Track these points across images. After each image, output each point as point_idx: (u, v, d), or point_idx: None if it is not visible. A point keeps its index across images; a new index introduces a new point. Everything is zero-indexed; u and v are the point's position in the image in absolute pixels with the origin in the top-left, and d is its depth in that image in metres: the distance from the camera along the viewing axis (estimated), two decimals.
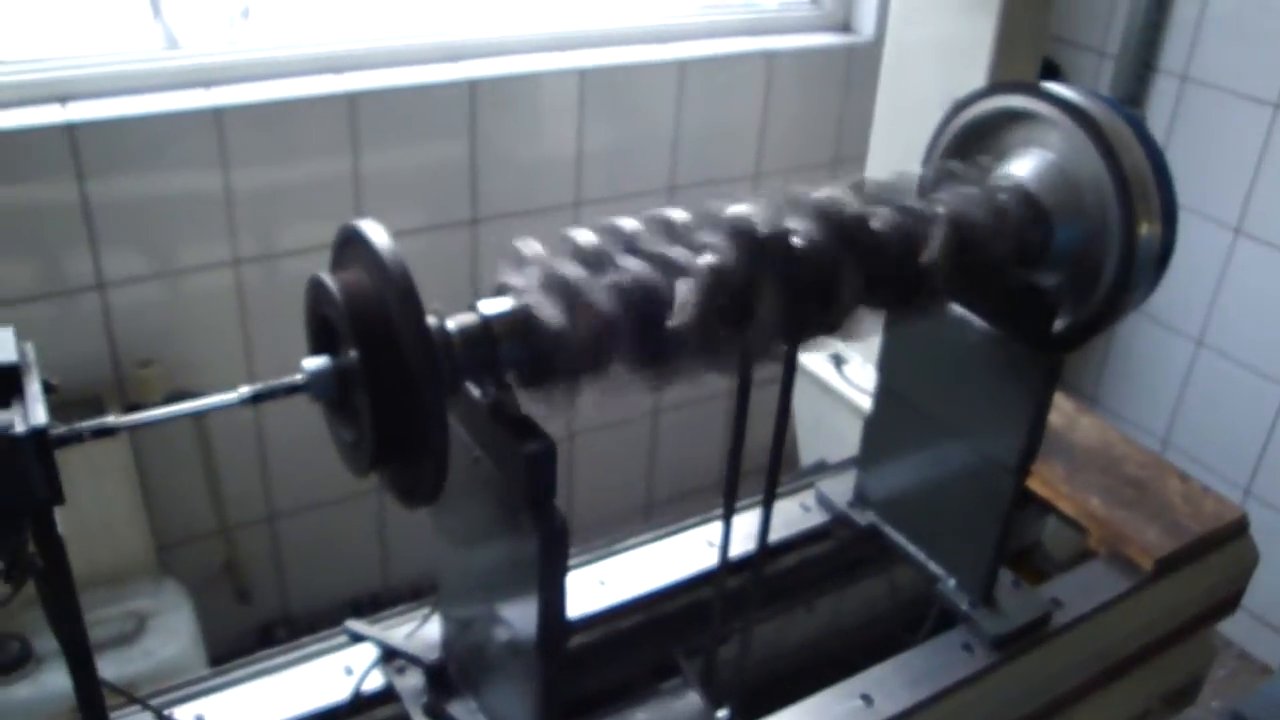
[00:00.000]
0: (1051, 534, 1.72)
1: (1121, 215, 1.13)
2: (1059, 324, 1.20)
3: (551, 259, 0.93)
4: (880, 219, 1.07)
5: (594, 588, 1.34)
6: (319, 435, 0.96)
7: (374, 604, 2.49)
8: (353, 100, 2.10)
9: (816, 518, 1.52)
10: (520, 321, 0.90)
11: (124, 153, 1.93)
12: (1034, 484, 1.55)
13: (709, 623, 1.27)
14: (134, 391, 2.05)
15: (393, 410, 0.84)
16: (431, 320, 0.86)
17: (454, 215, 2.31)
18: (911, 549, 1.44)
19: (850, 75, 2.67)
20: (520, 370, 0.92)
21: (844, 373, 2.26)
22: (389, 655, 1.23)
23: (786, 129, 2.66)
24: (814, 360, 2.29)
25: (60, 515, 0.83)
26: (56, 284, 1.95)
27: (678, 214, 1.01)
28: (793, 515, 1.51)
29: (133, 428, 0.86)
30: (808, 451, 2.38)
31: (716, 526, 1.29)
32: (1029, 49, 1.90)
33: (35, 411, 0.79)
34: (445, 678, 1.21)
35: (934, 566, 1.40)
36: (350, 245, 0.88)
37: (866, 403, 1.53)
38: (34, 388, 0.82)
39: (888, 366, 1.41)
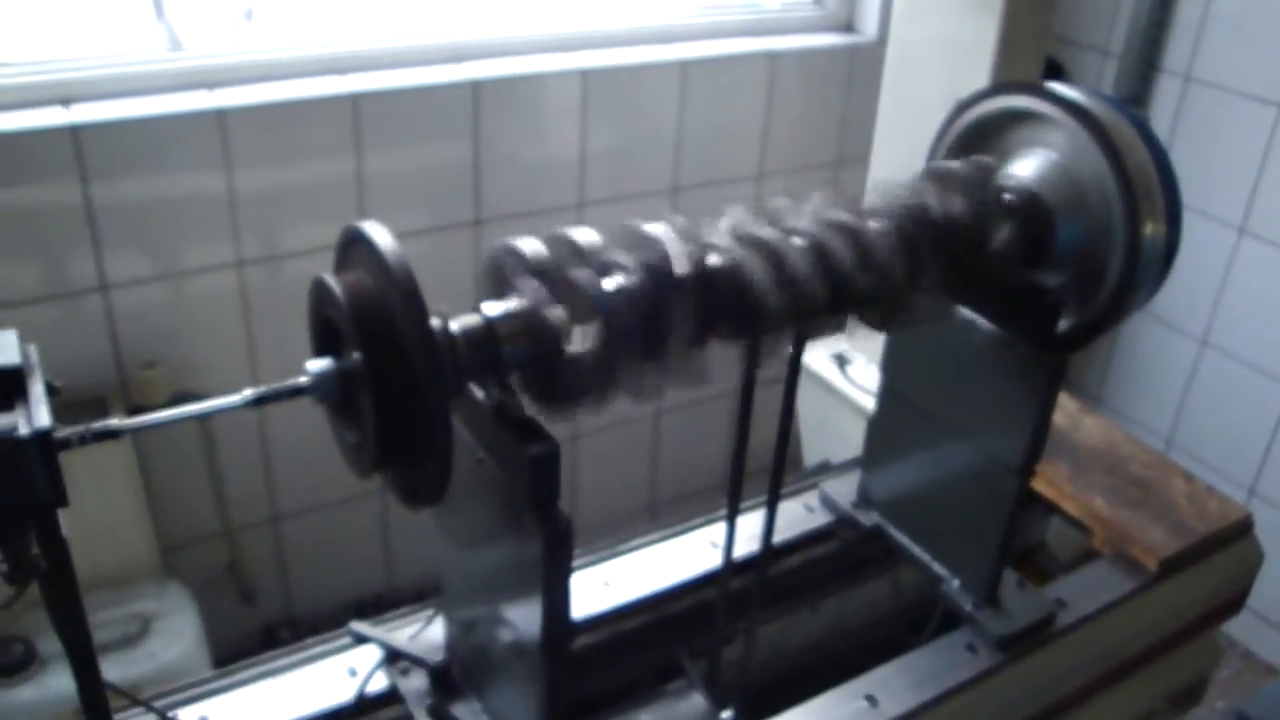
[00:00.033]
0: (1056, 534, 1.72)
1: (1126, 215, 1.13)
2: (1063, 324, 1.20)
3: (556, 260, 0.93)
4: (883, 220, 1.07)
5: (598, 589, 1.34)
6: (323, 436, 0.96)
7: (378, 605, 2.49)
8: (356, 101, 2.10)
9: (820, 518, 1.51)
10: (524, 323, 0.90)
11: (127, 154, 1.93)
12: (1038, 484, 1.55)
13: (713, 624, 1.27)
14: (137, 393, 2.05)
15: (396, 412, 0.84)
16: (435, 322, 0.86)
17: (457, 216, 2.31)
18: (915, 549, 1.43)
19: (853, 75, 2.67)
20: (524, 372, 0.92)
21: (848, 373, 2.26)
22: (393, 657, 1.23)
23: (789, 129, 2.66)
24: (818, 360, 2.29)
25: (64, 517, 0.83)
26: (60, 286, 1.96)
27: (678, 216, 1.00)
28: (797, 516, 1.51)
29: (136, 430, 0.86)
30: (811, 452, 2.38)
31: (720, 527, 1.29)
32: (1032, 49, 1.90)
33: (39, 414, 0.79)
34: (449, 679, 1.21)
35: (938, 567, 1.40)
36: (354, 247, 0.88)
37: (870, 403, 1.52)
38: (37, 390, 0.82)
39: (891, 367, 1.41)
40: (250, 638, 2.42)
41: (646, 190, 2.52)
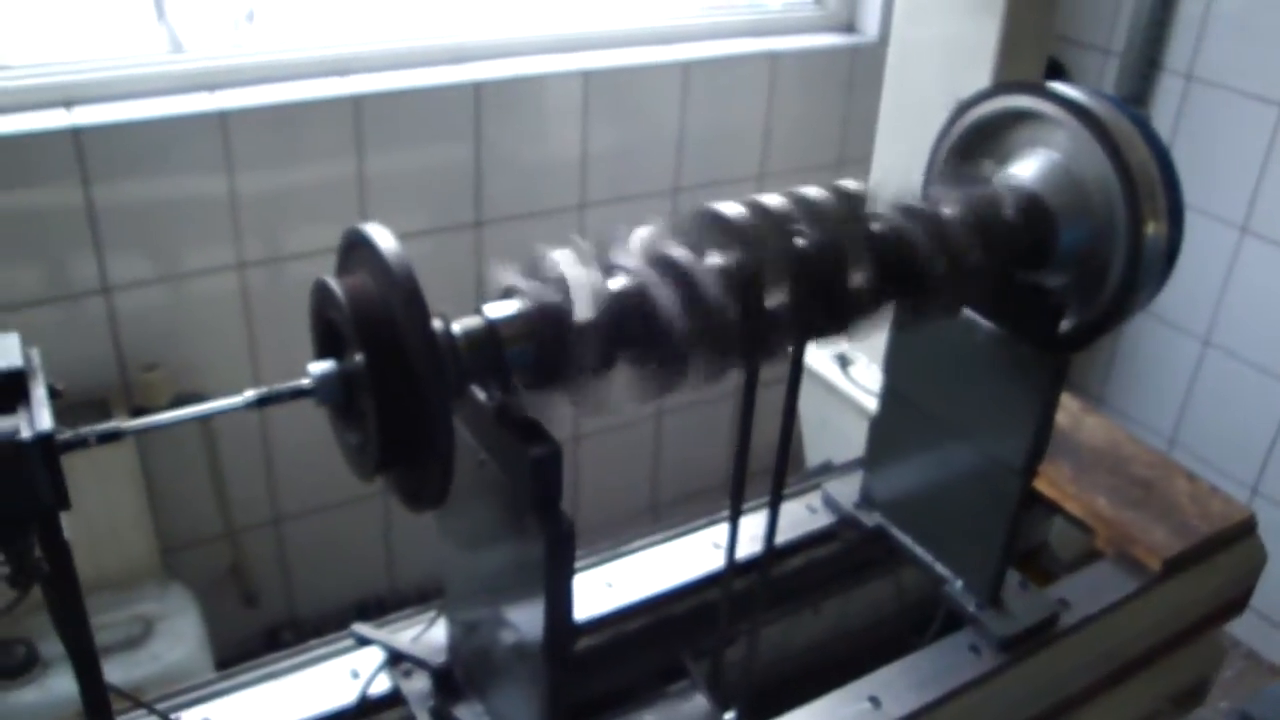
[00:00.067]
0: (1058, 534, 1.72)
1: (1128, 215, 1.12)
2: (1065, 324, 1.20)
3: (557, 261, 0.93)
4: (885, 221, 1.07)
5: (600, 590, 1.34)
6: (325, 438, 0.95)
7: (380, 607, 2.49)
8: (357, 103, 2.10)
9: (823, 519, 1.51)
10: (526, 324, 0.90)
11: (129, 156, 1.93)
12: (1040, 484, 1.55)
13: (716, 625, 1.26)
14: (139, 395, 2.05)
15: (398, 414, 0.84)
16: (437, 324, 0.86)
17: (459, 218, 2.31)
18: (918, 550, 1.43)
19: (854, 76, 2.67)
20: (526, 373, 0.92)
21: (849, 374, 2.26)
22: (395, 659, 1.23)
23: (791, 130, 2.66)
24: (820, 361, 2.29)
25: (66, 519, 0.83)
26: (62, 288, 1.96)
27: (684, 217, 1.00)
28: (799, 517, 1.51)
29: (139, 432, 0.86)
30: (814, 452, 2.38)
31: (723, 528, 1.29)
32: (1034, 49, 1.90)
33: (41, 417, 0.79)
34: (451, 681, 1.20)
35: (941, 568, 1.40)
36: (355, 249, 0.88)
37: (872, 404, 1.52)
38: (39, 393, 0.82)
39: (894, 367, 1.41)
40: (252, 639, 2.42)
41: (648, 191, 2.52)
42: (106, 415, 1.97)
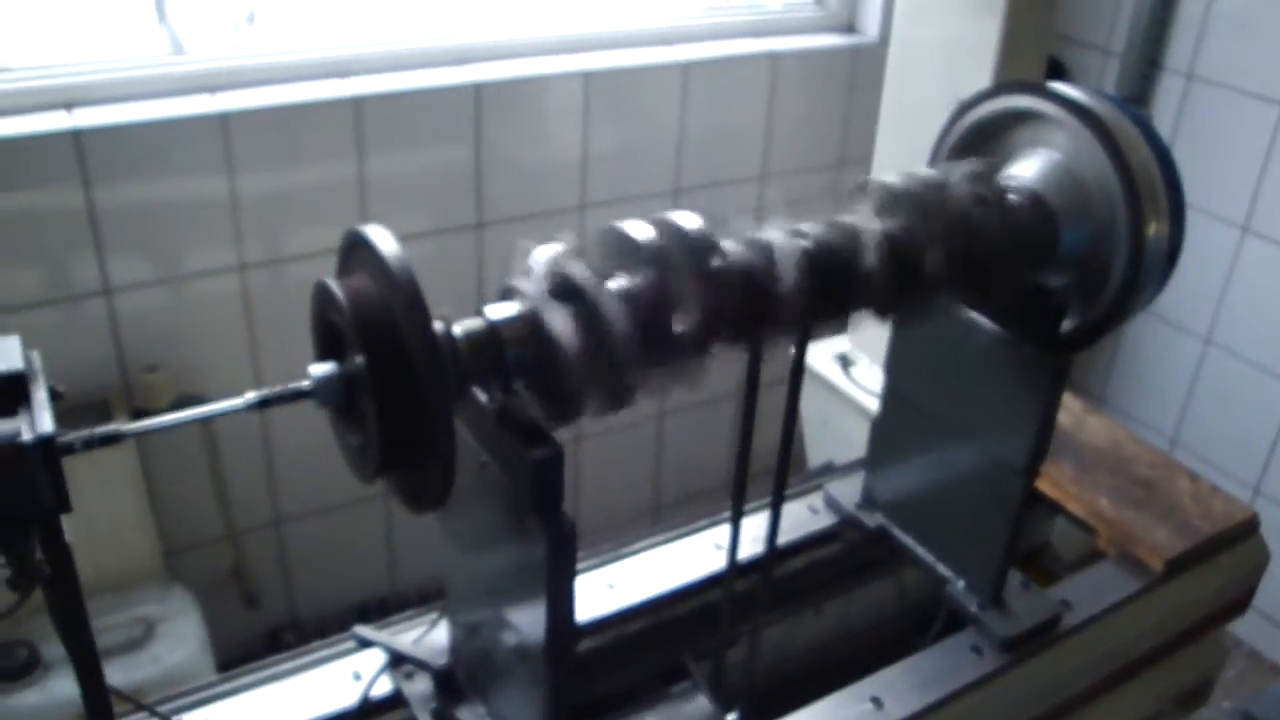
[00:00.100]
0: (1060, 535, 1.71)
1: (1129, 215, 1.12)
2: (1067, 324, 1.20)
3: (558, 263, 0.93)
4: (884, 221, 1.07)
5: (602, 591, 1.34)
6: (326, 439, 0.95)
7: (382, 609, 2.49)
8: (358, 104, 2.10)
9: (825, 520, 1.51)
10: (527, 326, 0.90)
11: (130, 158, 1.93)
12: (1042, 484, 1.54)
13: (717, 626, 1.26)
14: (140, 397, 2.05)
15: (399, 416, 0.84)
16: (438, 326, 0.86)
17: (459, 219, 2.31)
18: (920, 551, 1.43)
19: (855, 76, 2.66)
20: (527, 375, 0.92)
21: (851, 374, 2.26)
22: (397, 660, 1.23)
23: (791, 131, 2.65)
24: (821, 362, 2.29)
25: (67, 521, 0.83)
26: (63, 290, 1.96)
27: (684, 219, 1.00)
28: (801, 517, 1.51)
29: (139, 434, 0.86)
30: (815, 453, 2.38)
31: (724, 529, 1.29)
32: (1034, 49, 1.90)
33: (41, 419, 0.79)
34: (453, 683, 1.20)
35: (943, 568, 1.40)
36: (356, 251, 0.88)
37: (874, 404, 1.52)
38: (40, 395, 0.82)
39: (895, 368, 1.41)
40: (254, 641, 2.42)
41: (649, 192, 2.52)
42: (107, 417, 1.97)
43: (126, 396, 2.06)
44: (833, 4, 2.72)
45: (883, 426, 1.46)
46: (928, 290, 1.07)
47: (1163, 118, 2.72)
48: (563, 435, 0.91)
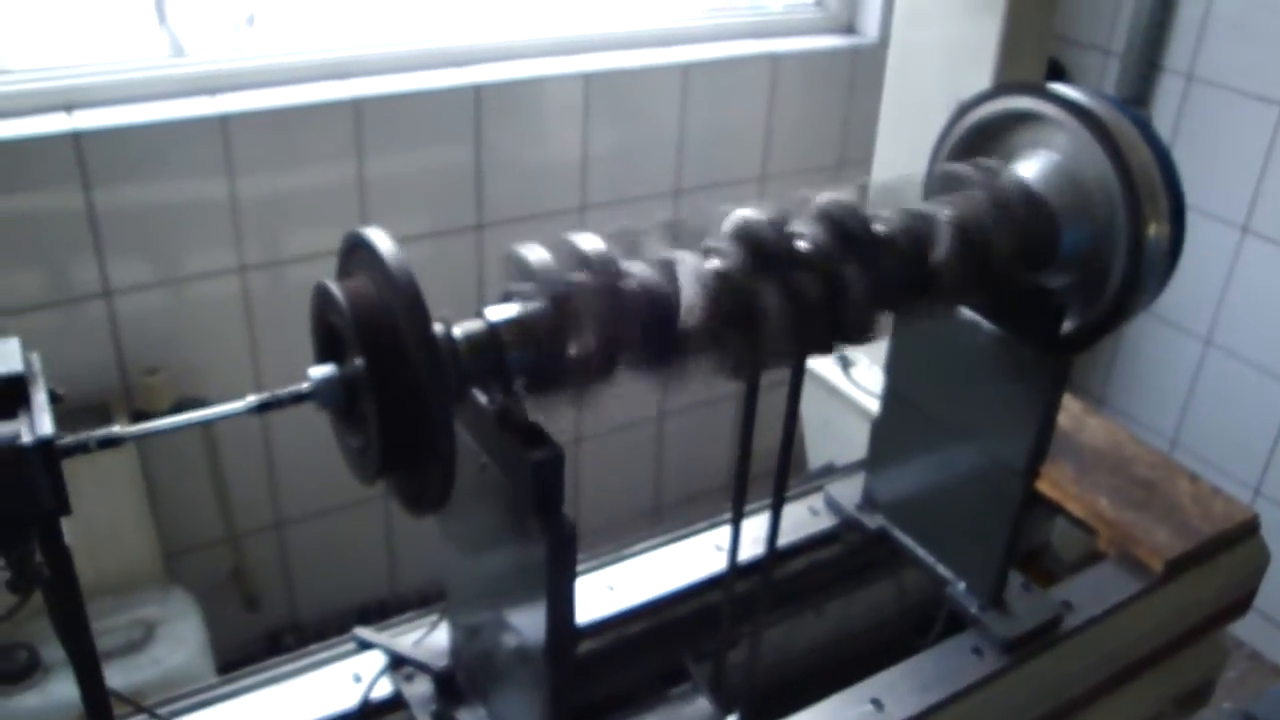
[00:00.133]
0: (1060, 536, 1.71)
1: (1129, 216, 1.12)
2: (1067, 325, 1.20)
3: (557, 265, 0.93)
4: (886, 223, 1.07)
5: (602, 593, 1.34)
6: (326, 441, 0.95)
7: (382, 611, 2.48)
8: (358, 106, 2.10)
9: (825, 521, 1.51)
10: (527, 328, 0.90)
11: (130, 160, 1.93)
12: (1043, 485, 1.54)
13: (718, 627, 1.26)
14: (141, 399, 2.05)
15: (399, 418, 0.84)
16: (438, 328, 0.86)
17: (459, 221, 2.31)
18: (920, 552, 1.43)
19: (855, 77, 2.66)
20: (528, 377, 0.92)
21: (851, 375, 2.26)
22: (397, 663, 1.22)
23: (791, 132, 2.65)
24: (821, 363, 2.29)
25: (67, 523, 0.83)
26: (63, 292, 1.96)
27: (683, 220, 1.00)
28: (801, 519, 1.50)
29: (140, 437, 0.86)
30: (816, 454, 2.37)
31: (725, 530, 1.29)
32: (1034, 50, 1.89)
33: (41, 422, 0.79)
34: (454, 685, 1.20)
35: (943, 569, 1.40)
36: (356, 252, 0.88)
37: (874, 405, 1.52)
38: (40, 398, 0.82)
39: (895, 369, 1.41)
40: (254, 644, 2.41)
41: (649, 193, 2.52)
42: (107, 420, 1.97)
43: (126, 399, 2.06)
44: (833, 5, 2.72)
45: (883, 428, 1.46)
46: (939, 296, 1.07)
47: (1162, 119, 2.72)
48: (563, 436, 0.91)
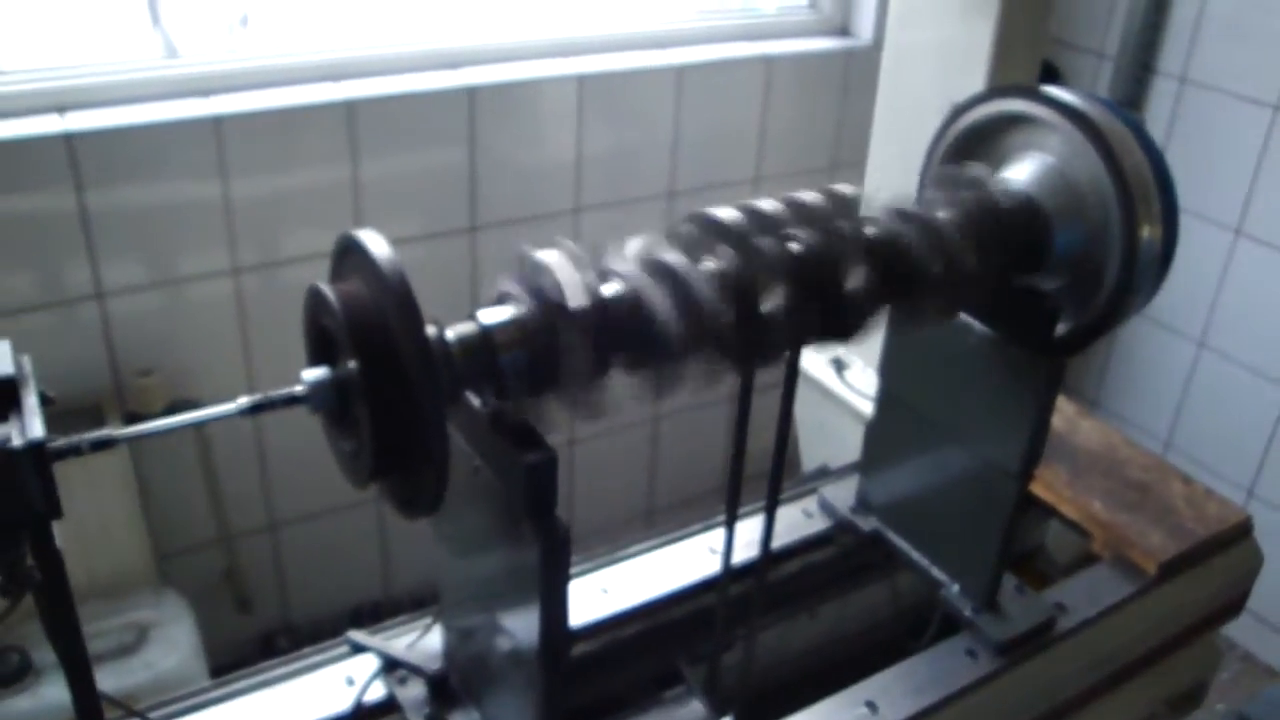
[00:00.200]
0: (1054, 538, 1.72)
1: (1122, 218, 1.12)
2: (1061, 328, 1.20)
3: (553, 266, 0.93)
4: (880, 224, 1.07)
5: (596, 596, 1.34)
6: (319, 443, 0.95)
7: (375, 613, 2.48)
8: (351, 108, 2.10)
9: (819, 524, 1.51)
10: (520, 330, 0.90)
11: (123, 162, 1.92)
12: (1036, 488, 1.55)
13: (712, 630, 1.26)
14: (134, 400, 2.05)
15: (392, 421, 0.83)
16: (431, 330, 0.86)
17: (453, 223, 2.31)
18: (914, 555, 1.43)
19: (849, 79, 2.67)
20: (521, 379, 0.92)
21: (845, 378, 2.26)
22: (390, 665, 1.22)
23: (785, 134, 2.66)
24: (815, 365, 2.29)
25: (58, 526, 0.83)
26: (56, 294, 1.95)
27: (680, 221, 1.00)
28: (795, 521, 1.50)
29: (132, 439, 0.85)
30: (809, 457, 2.38)
31: (719, 533, 1.29)
32: (1028, 52, 1.90)
33: (32, 425, 0.79)
34: (447, 688, 1.20)
35: (937, 572, 1.40)
36: (349, 255, 0.88)
37: (868, 408, 1.52)
38: (31, 400, 0.81)
39: (889, 371, 1.41)
40: (247, 646, 2.41)
41: (643, 195, 2.52)
42: (100, 421, 1.96)
43: (119, 401, 2.05)
44: (826, 7, 2.72)
45: (877, 430, 1.46)
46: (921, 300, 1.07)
47: (1156, 121, 2.73)
48: (556, 438, 0.91)
